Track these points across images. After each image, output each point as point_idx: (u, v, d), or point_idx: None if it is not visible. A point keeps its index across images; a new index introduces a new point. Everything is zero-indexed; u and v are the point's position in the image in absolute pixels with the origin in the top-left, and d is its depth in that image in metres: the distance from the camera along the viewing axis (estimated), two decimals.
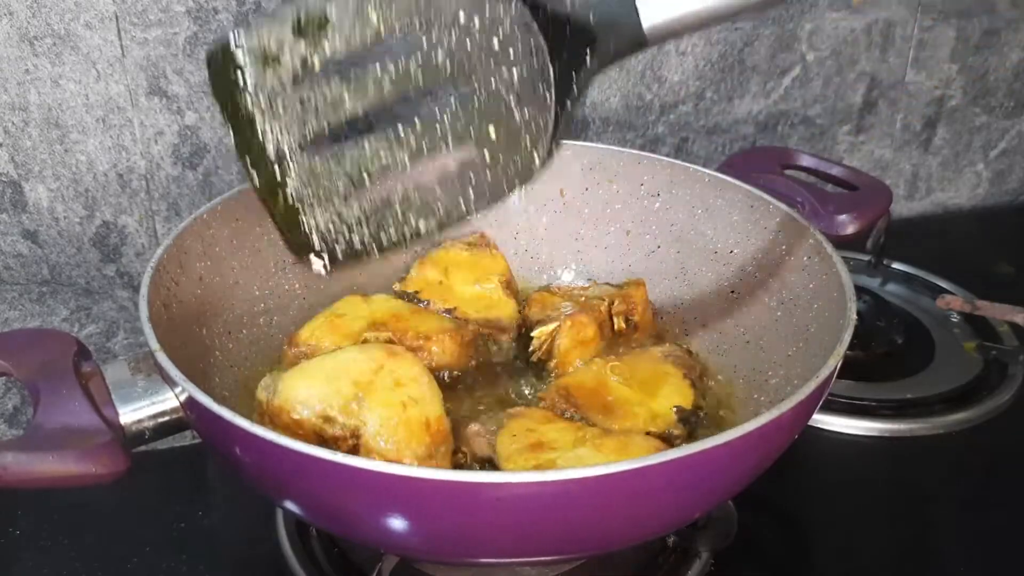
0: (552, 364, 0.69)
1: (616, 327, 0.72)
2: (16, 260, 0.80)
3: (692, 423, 0.62)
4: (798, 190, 0.76)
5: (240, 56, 0.50)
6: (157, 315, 0.57)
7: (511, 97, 0.51)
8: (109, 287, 0.84)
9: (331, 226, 0.52)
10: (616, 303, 0.73)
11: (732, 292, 0.73)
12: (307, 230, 0.52)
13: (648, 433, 0.60)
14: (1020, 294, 0.90)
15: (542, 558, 0.58)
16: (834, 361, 0.53)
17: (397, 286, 0.75)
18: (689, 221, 0.76)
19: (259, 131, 0.51)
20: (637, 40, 0.51)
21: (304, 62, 0.50)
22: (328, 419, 0.57)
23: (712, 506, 0.63)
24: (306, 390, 0.57)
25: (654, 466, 0.44)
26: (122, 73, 0.77)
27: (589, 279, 0.80)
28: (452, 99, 0.52)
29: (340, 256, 0.52)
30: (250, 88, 0.50)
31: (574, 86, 0.51)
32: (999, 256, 1.07)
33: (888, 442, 0.77)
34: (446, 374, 0.68)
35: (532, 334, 0.71)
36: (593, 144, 0.82)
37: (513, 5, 0.50)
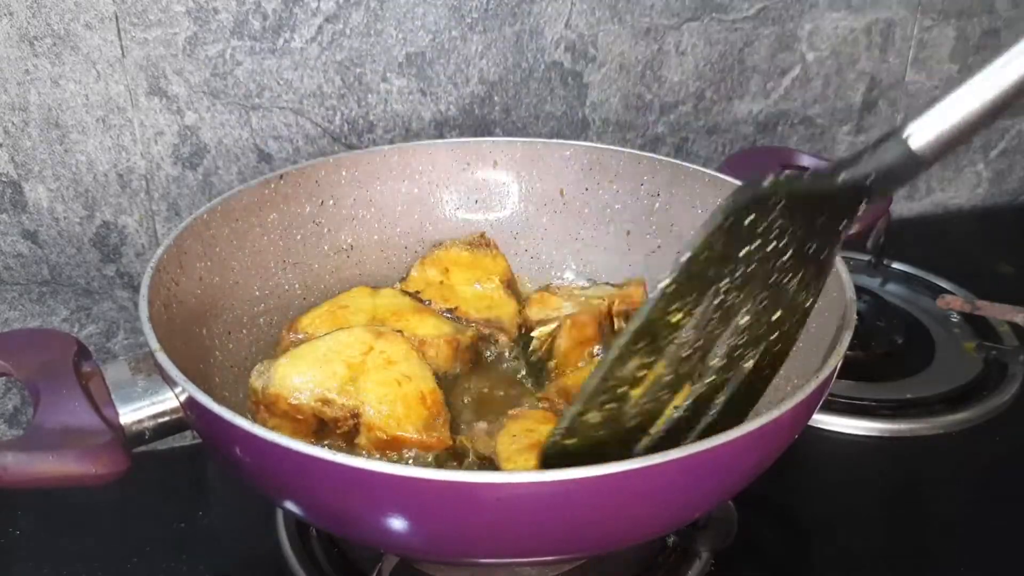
0: (552, 364, 0.70)
1: (616, 327, 0.72)
2: (16, 260, 0.80)
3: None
4: None
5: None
6: (157, 315, 0.57)
7: (787, 275, 0.49)
8: (109, 287, 0.84)
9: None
10: (616, 303, 0.73)
11: None
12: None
13: None
14: (1020, 294, 0.90)
15: (542, 558, 0.58)
16: (834, 361, 0.53)
17: (399, 286, 0.75)
18: (689, 221, 0.76)
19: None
20: (915, 170, 0.49)
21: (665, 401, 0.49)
22: (327, 401, 0.58)
23: (712, 506, 0.63)
24: (301, 376, 0.58)
25: (654, 466, 0.44)
26: (122, 73, 0.77)
27: (589, 279, 0.81)
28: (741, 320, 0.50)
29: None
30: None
31: (841, 229, 0.51)
32: (999, 256, 1.06)
33: (888, 442, 0.77)
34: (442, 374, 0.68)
35: (532, 334, 0.71)
36: (593, 144, 0.82)
37: (778, 205, 0.47)
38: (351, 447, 0.60)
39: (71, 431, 0.50)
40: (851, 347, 0.55)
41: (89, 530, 0.68)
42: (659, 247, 0.78)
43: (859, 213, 0.50)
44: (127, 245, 0.83)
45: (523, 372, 0.71)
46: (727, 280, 0.47)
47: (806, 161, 0.84)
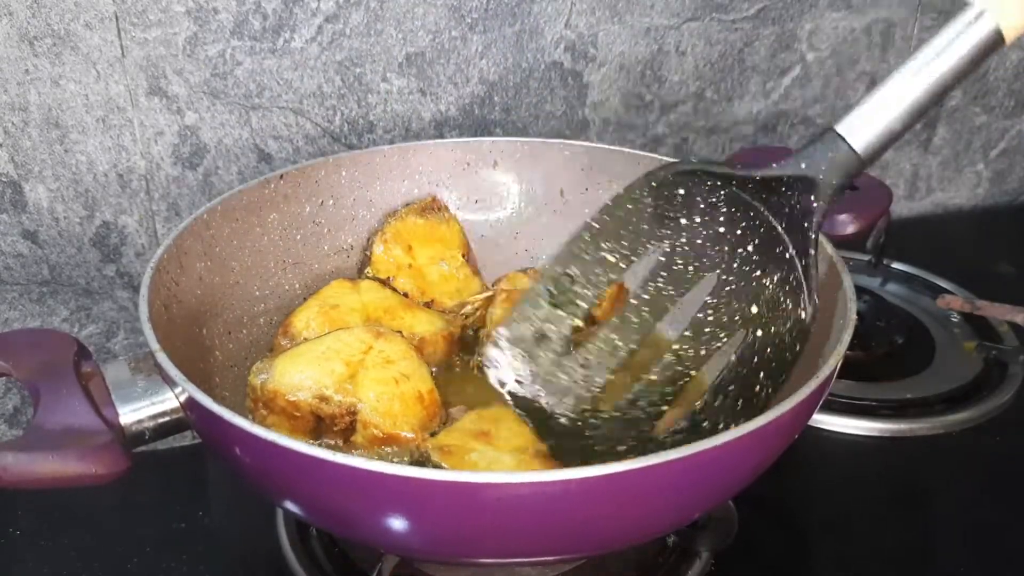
0: (483, 333, 0.70)
1: None
2: (16, 260, 0.80)
3: None
4: None
5: (508, 350, 0.52)
6: (157, 315, 0.57)
7: (756, 270, 0.51)
8: (109, 287, 0.84)
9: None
10: None
11: None
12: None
13: None
14: (1020, 294, 0.90)
15: (542, 558, 0.58)
16: (834, 361, 0.53)
17: (369, 271, 0.75)
18: None
19: (551, 412, 0.53)
20: (855, 164, 0.51)
21: (568, 328, 0.52)
22: (324, 399, 0.59)
23: (712, 506, 0.63)
24: (299, 373, 0.59)
25: (654, 466, 0.44)
26: (122, 73, 0.77)
27: None
28: (708, 298, 0.53)
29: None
30: (530, 378, 0.53)
31: (811, 234, 0.51)
32: (999, 256, 1.06)
33: (888, 442, 0.77)
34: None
35: (466, 300, 0.71)
36: (593, 144, 0.82)
37: (722, 191, 0.51)
38: (348, 445, 0.60)
39: (71, 431, 0.50)
40: (851, 347, 0.55)
41: (89, 530, 0.68)
42: None
43: (816, 214, 0.51)
44: (127, 245, 0.83)
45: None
46: (668, 242, 0.52)
47: None
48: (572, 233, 0.55)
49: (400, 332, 0.66)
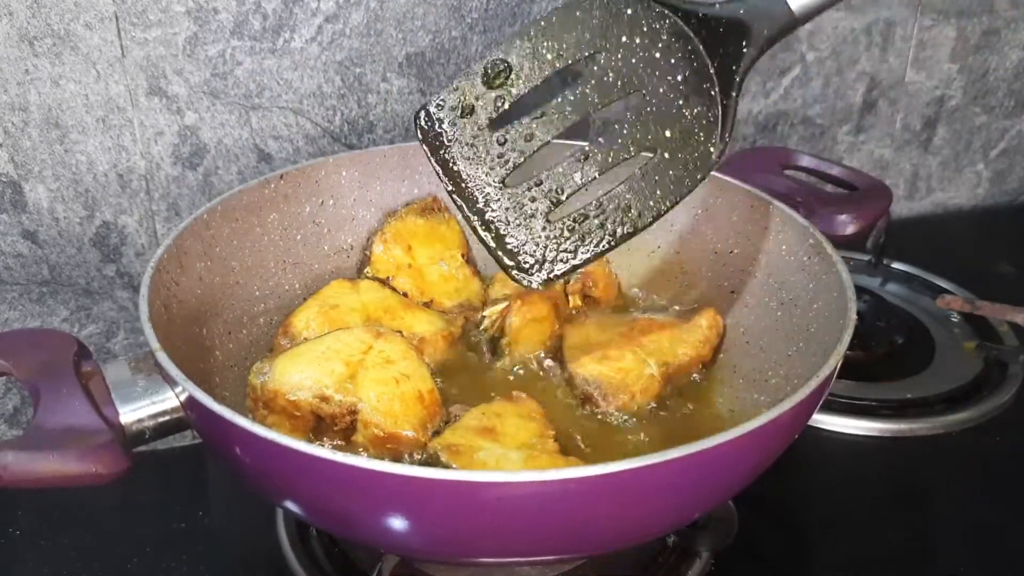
0: (505, 342, 0.70)
1: (572, 304, 0.74)
2: (16, 260, 0.80)
3: None
4: (798, 190, 0.76)
5: (439, 114, 0.59)
6: (157, 315, 0.57)
7: (679, 100, 0.56)
8: (109, 287, 0.84)
9: (537, 246, 0.58)
10: (571, 282, 0.75)
11: (732, 292, 0.73)
12: (515, 251, 0.58)
13: None
14: (1020, 294, 0.90)
15: (542, 558, 0.58)
16: (834, 361, 0.53)
17: (369, 271, 0.75)
18: (689, 221, 0.76)
19: (465, 176, 0.59)
20: (788, 20, 0.56)
21: (496, 106, 0.58)
22: (324, 398, 0.59)
23: (712, 506, 0.63)
24: (300, 373, 0.59)
25: (654, 466, 0.44)
26: (122, 73, 0.77)
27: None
28: (627, 112, 0.57)
29: (553, 272, 0.58)
30: (452, 139, 0.59)
31: (736, 77, 0.56)
32: (999, 256, 1.07)
33: (888, 442, 0.77)
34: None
35: (484, 313, 0.72)
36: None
37: (667, 19, 0.56)
38: (349, 444, 0.60)
39: (71, 431, 0.50)
40: (851, 347, 0.55)
41: (89, 530, 0.68)
42: (659, 247, 0.78)
43: (745, 60, 0.56)
44: (127, 245, 0.83)
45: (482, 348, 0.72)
46: (605, 54, 0.57)
47: (806, 161, 0.84)
48: (521, 25, 0.63)
49: (400, 332, 0.66)
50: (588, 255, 0.58)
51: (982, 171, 1.19)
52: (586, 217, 0.58)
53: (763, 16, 0.56)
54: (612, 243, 0.58)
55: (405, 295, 0.74)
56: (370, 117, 0.87)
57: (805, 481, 0.74)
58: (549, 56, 0.58)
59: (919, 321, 0.92)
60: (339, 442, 0.60)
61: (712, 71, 0.56)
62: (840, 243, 0.66)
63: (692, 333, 0.69)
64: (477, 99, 0.58)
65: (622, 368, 0.65)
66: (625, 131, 0.58)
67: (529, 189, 0.59)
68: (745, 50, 0.56)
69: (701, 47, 0.56)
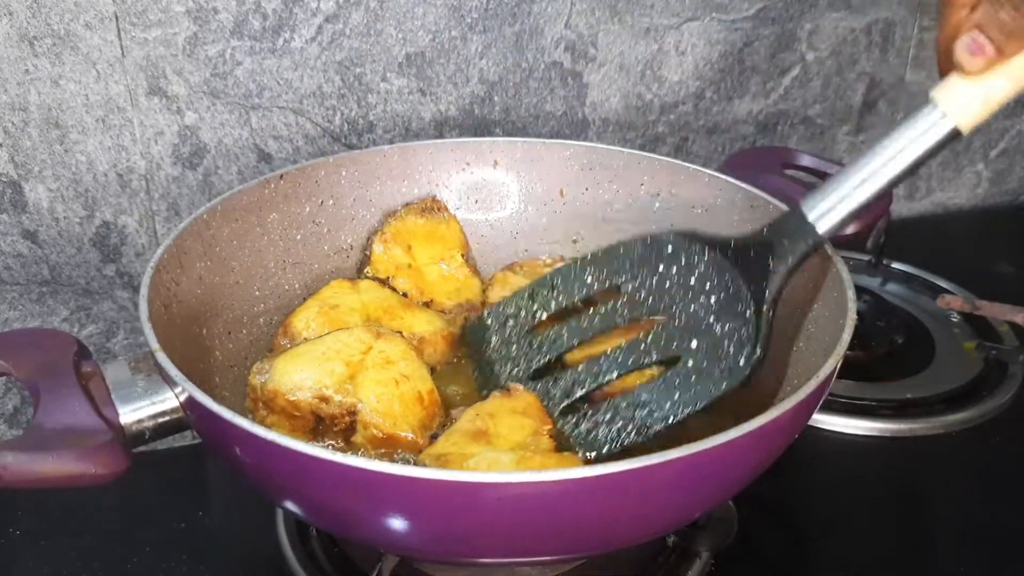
0: None
1: None
2: (16, 260, 0.80)
3: None
4: (798, 190, 0.76)
5: (489, 320, 0.68)
6: (157, 315, 0.57)
7: (710, 317, 0.59)
8: (109, 287, 0.84)
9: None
10: None
11: None
12: None
13: None
14: (1020, 294, 0.90)
15: (542, 558, 0.58)
16: (834, 361, 0.53)
17: (368, 271, 0.75)
18: (689, 221, 0.76)
19: (496, 371, 0.66)
20: (816, 245, 0.58)
21: (534, 316, 0.67)
22: (324, 399, 0.59)
23: (712, 506, 0.63)
24: (300, 373, 0.59)
25: (654, 466, 0.44)
26: (122, 73, 0.77)
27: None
28: (657, 326, 0.61)
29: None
30: (493, 341, 0.68)
31: (766, 294, 0.57)
32: (999, 256, 1.07)
33: (888, 442, 0.77)
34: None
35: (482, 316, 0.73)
36: (593, 144, 0.82)
37: (706, 253, 0.60)
38: (348, 445, 0.60)
39: (71, 431, 0.50)
40: (851, 347, 0.55)
41: (89, 530, 0.68)
42: None
43: (775, 279, 0.58)
44: (127, 245, 0.83)
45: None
46: (640, 279, 0.62)
47: (806, 161, 0.84)
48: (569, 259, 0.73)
49: (400, 332, 0.66)
50: (601, 452, 0.59)
51: (982, 171, 1.19)
52: (605, 424, 0.60)
53: (792, 243, 0.58)
54: (622, 444, 0.59)
55: (405, 295, 0.74)
56: (370, 117, 0.87)
57: (805, 481, 0.74)
58: (589, 279, 0.65)
59: (919, 321, 0.92)
60: (339, 443, 0.60)
61: (746, 292, 0.57)
62: (840, 243, 0.66)
63: None
64: (520, 308, 0.67)
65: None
66: (650, 338, 0.61)
67: (548, 384, 0.63)
68: (776, 270, 0.58)
69: (737, 273, 0.58)
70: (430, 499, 0.45)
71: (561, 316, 0.66)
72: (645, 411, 0.58)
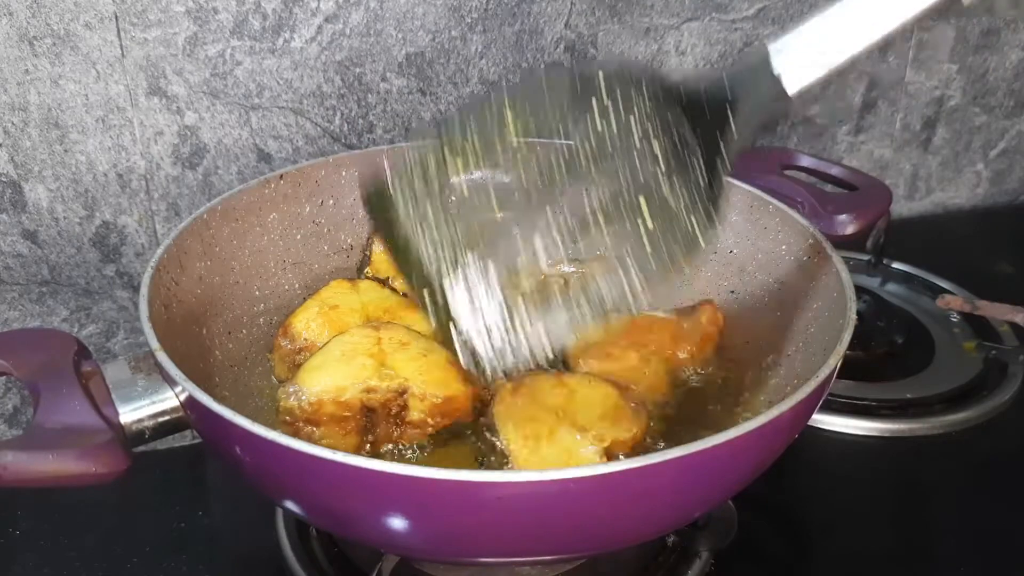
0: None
1: None
2: (16, 260, 0.80)
3: None
4: (798, 190, 0.76)
5: (395, 185, 0.54)
6: (157, 315, 0.57)
7: (657, 169, 0.50)
8: (109, 287, 0.84)
9: (491, 332, 0.50)
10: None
11: (732, 292, 0.73)
12: (466, 339, 0.50)
13: None
14: (1020, 294, 0.90)
15: (542, 558, 0.58)
16: (834, 361, 0.53)
17: (368, 271, 0.75)
18: None
19: (416, 252, 0.52)
20: (776, 91, 0.50)
21: (451, 179, 0.53)
22: (370, 389, 0.59)
23: (712, 506, 0.63)
24: (331, 377, 0.59)
25: (654, 466, 0.44)
26: (122, 73, 0.77)
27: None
28: (599, 187, 0.51)
29: (505, 362, 0.50)
30: (405, 214, 0.53)
31: (722, 150, 0.50)
32: (999, 256, 1.06)
33: (888, 442, 0.77)
34: None
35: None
36: None
37: (645, 87, 0.50)
38: (405, 427, 0.60)
39: (71, 430, 0.50)
40: (851, 347, 0.55)
41: (89, 530, 0.68)
42: None
43: (730, 131, 0.50)
44: (127, 245, 0.83)
45: None
46: (577, 138, 0.51)
47: (805, 161, 0.84)
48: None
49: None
50: (555, 350, 0.51)
51: (982, 171, 1.19)
52: (554, 302, 0.51)
53: (751, 86, 0.51)
54: (580, 332, 0.51)
55: (405, 295, 0.74)
56: (370, 117, 0.87)
57: (805, 481, 0.74)
58: (511, 126, 0.54)
59: (919, 321, 0.92)
60: (396, 431, 0.60)
61: (696, 140, 0.51)
62: (840, 243, 0.66)
63: (693, 330, 0.68)
64: (432, 169, 0.54)
65: (627, 367, 0.65)
66: (597, 202, 0.51)
67: (484, 268, 0.52)
68: (731, 121, 0.51)
69: (683, 115, 0.51)
70: (430, 499, 0.45)
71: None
72: (605, 294, 0.51)
